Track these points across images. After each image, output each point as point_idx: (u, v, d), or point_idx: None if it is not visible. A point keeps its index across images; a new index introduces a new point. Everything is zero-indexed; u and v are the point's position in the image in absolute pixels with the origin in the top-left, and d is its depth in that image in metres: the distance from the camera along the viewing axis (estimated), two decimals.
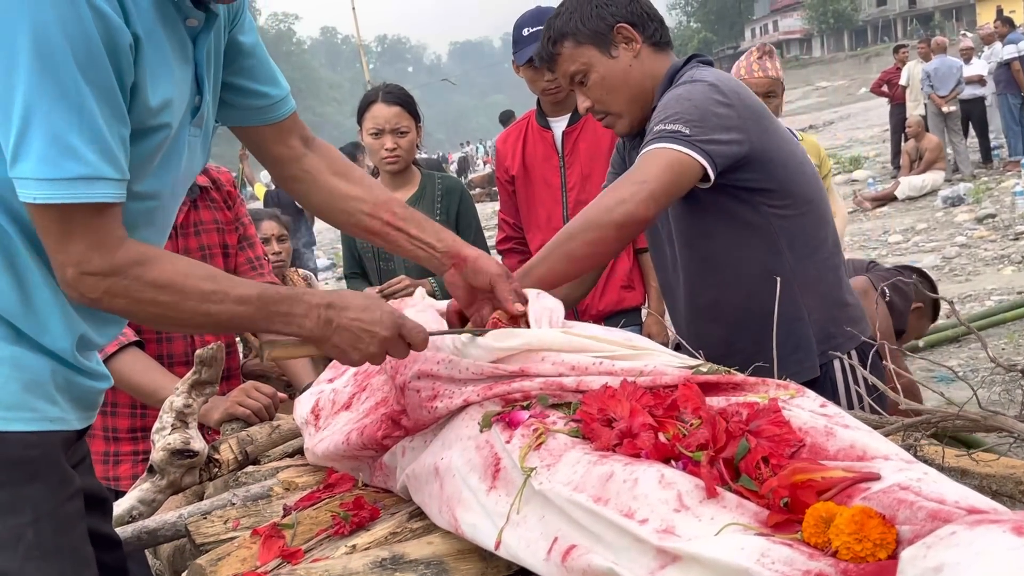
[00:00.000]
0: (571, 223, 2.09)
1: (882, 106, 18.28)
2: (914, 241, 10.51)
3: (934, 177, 13.60)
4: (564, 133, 3.68)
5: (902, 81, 15.16)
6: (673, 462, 1.23)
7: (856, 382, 2.24)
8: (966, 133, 14.57)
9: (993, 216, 10.84)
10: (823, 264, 2.29)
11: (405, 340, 1.57)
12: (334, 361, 2.19)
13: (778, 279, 2.07)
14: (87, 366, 1.55)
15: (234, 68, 1.69)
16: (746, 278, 2.25)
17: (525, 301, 1.75)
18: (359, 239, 3.69)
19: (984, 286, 7.99)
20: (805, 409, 1.29)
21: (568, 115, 3.68)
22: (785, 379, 1.44)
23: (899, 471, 1.09)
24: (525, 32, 3.58)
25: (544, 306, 1.75)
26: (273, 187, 13.56)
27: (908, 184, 13.51)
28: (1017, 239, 9.61)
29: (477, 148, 37.73)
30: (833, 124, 26.80)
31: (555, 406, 1.48)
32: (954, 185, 13.06)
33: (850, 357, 2.20)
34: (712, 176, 2.08)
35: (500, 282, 1.76)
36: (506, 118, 16.92)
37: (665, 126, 2.09)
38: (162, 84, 1.42)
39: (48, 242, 1.36)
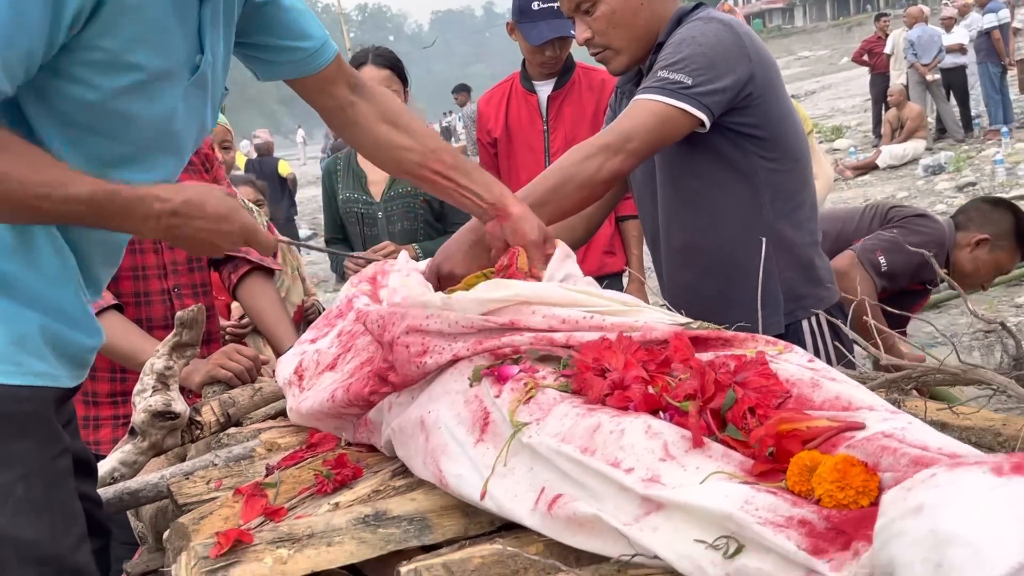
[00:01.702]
0: (556, 177, 2.09)
1: (863, 75, 18.29)
2: None
3: (915, 146, 13.66)
4: (549, 98, 3.66)
5: (887, 50, 15.17)
6: (661, 413, 1.23)
7: (824, 344, 2.25)
8: (948, 102, 14.66)
9: (974, 184, 10.90)
10: (800, 226, 2.29)
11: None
12: (316, 321, 2.18)
13: (758, 237, 2.07)
14: (82, 317, 1.54)
15: (257, 27, 1.68)
16: (723, 225, 2.24)
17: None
18: (342, 207, 3.69)
19: None
20: (793, 363, 1.29)
21: (554, 80, 3.66)
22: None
23: (883, 420, 1.09)
24: (535, 6, 3.52)
25: (566, 269, 1.77)
26: (255, 156, 13.50)
27: (889, 153, 13.56)
28: None
29: (459, 118, 37.51)
30: (815, 94, 26.78)
31: (544, 359, 1.48)
32: (935, 154, 13.12)
33: (818, 319, 2.22)
34: (708, 125, 2.08)
35: (532, 250, 1.80)
36: (460, 91, 17.18)
37: (668, 74, 2.08)
38: (137, 24, 1.38)
39: None
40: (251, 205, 3.79)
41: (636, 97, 2.12)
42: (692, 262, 2.31)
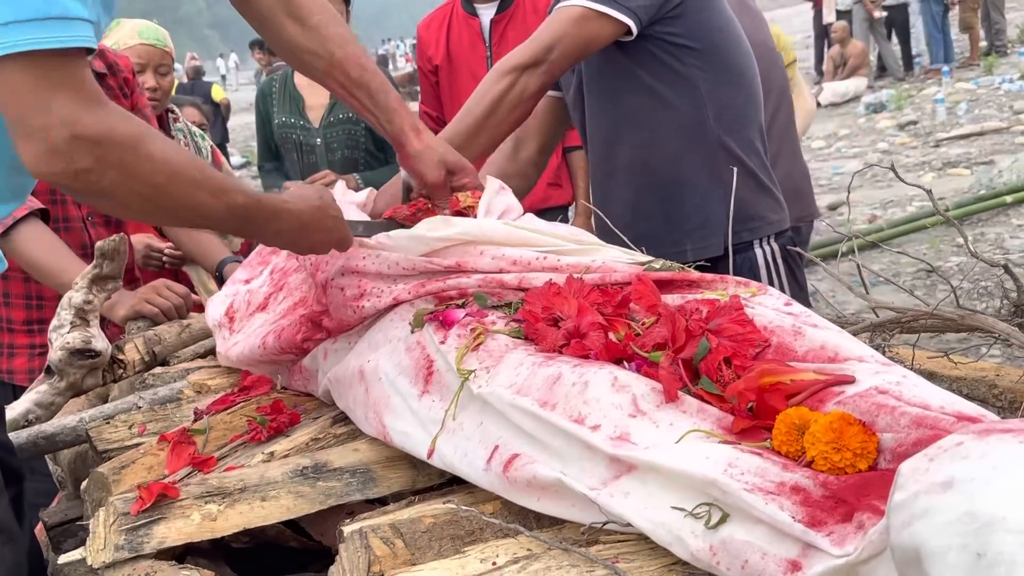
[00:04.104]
0: (483, 106, 2.02)
1: (806, 12, 18.22)
2: (836, 147, 10.55)
3: (857, 83, 13.69)
4: (492, 21, 3.49)
5: None
6: (626, 363, 1.12)
7: (779, 274, 2.19)
8: (889, 40, 14.72)
9: (915, 123, 10.94)
10: (748, 146, 2.19)
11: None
12: (248, 259, 2.04)
13: (702, 153, 2.02)
14: None
15: None
16: (665, 140, 2.14)
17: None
18: (278, 133, 3.51)
19: (905, 192, 8.03)
20: (769, 307, 1.19)
21: (496, 2, 3.49)
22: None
23: (875, 374, 0.99)
24: None
25: (503, 202, 1.64)
26: (187, 80, 13.04)
27: (831, 90, 13.57)
28: (938, 146, 9.70)
29: (398, 46, 36.82)
30: None
31: (494, 307, 1.36)
32: (876, 92, 13.16)
33: (771, 247, 2.16)
34: (635, 31, 2.00)
35: (433, 191, 1.68)
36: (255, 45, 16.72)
37: None
38: None
39: (18, 106, 1.09)
40: (195, 129, 3.58)
41: (559, 5, 2.03)
42: (635, 180, 2.21)
